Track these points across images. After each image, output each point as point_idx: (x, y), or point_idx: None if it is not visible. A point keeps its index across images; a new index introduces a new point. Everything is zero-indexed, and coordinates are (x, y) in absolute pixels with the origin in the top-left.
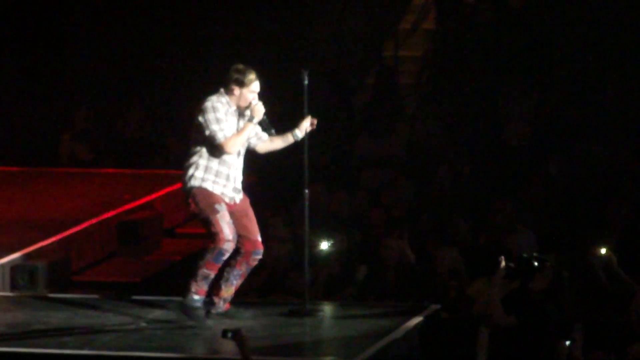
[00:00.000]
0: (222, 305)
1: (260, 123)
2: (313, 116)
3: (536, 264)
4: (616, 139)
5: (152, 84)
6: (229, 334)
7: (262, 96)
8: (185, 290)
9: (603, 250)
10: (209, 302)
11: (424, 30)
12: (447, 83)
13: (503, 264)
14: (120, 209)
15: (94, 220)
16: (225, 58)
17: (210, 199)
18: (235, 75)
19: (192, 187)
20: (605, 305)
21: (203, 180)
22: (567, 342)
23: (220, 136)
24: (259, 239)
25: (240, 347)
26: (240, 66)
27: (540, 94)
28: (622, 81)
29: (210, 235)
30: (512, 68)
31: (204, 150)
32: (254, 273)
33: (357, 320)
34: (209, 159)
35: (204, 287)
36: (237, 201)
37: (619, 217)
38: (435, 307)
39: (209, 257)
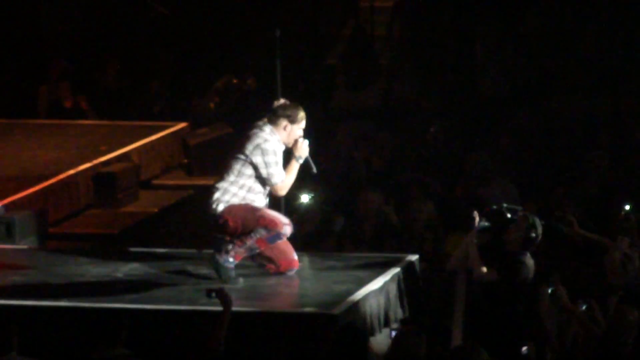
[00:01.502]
0: (229, 255)
1: (305, 161)
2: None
3: (509, 215)
4: (593, 91)
5: (130, 35)
6: (213, 294)
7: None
8: (222, 249)
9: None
10: (225, 242)
11: None
12: (421, 34)
13: (477, 219)
14: (96, 161)
15: (70, 172)
16: (200, 11)
17: (244, 205)
18: (288, 112)
19: (221, 208)
20: (581, 257)
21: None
22: (549, 289)
23: (278, 179)
24: (296, 257)
25: (224, 305)
26: (286, 102)
27: (516, 44)
28: (598, 32)
29: (265, 228)
30: (487, 18)
31: (247, 184)
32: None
33: (335, 271)
34: (248, 192)
35: (243, 255)
36: None
37: (595, 168)
38: (412, 257)
39: (264, 234)
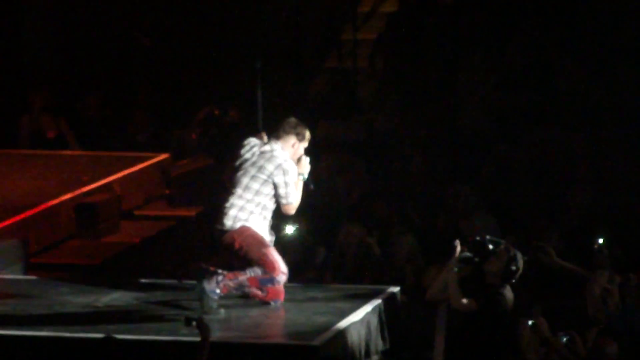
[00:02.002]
0: (217, 287)
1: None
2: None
3: (491, 246)
4: (573, 124)
5: (113, 66)
6: (193, 322)
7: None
8: (211, 279)
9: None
10: (213, 272)
11: (383, 14)
12: (403, 66)
13: (459, 248)
14: (78, 191)
15: (52, 202)
16: (182, 42)
17: (258, 235)
18: (297, 129)
19: (237, 226)
20: (561, 290)
21: (247, 221)
22: (530, 322)
23: (293, 199)
24: (283, 289)
25: (202, 334)
26: (294, 120)
27: (496, 78)
28: (579, 66)
29: (261, 264)
30: (470, 52)
31: (262, 202)
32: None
33: (316, 302)
34: (262, 209)
35: (230, 290)
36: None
37: (577, 201)
38: (393, 289)
39: (259, 275)
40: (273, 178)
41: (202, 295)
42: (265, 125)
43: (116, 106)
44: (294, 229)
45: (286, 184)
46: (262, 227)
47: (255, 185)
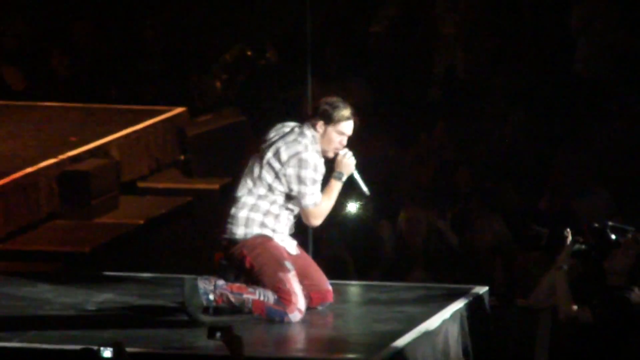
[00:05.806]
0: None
1: (350, 180)
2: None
3: (613, 236)
4: None
5: None
6: (217, 334)
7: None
8: (210, 279)
9: None
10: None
11: None
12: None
13: (570, 238)
14: (63, 156)
15: (27, 170)
16: None
17: (274, 250)
18: (325, 106)
19: (246, 235)
20: None
21: (262, 225)
22: None
23: (310, 202)
24: (330, 288)
25: (233, 349)
26: (334, 99)
27: (620, 12)
28: None
29: (276, 293)
30: None
31: (279, 201)
32: None
33: (378, 306)
34: (281, 208)
35: (227, 303)
36: (295, 251)
37: None
38: (479, 290)
39: (270, 301)
40: (285, 169)
41: (192, 291)
42: (315, 67)
43: (115, 44)
44: (357, 206)
45: (300, 179)
46: (282, 230)
47: (268, 177)
